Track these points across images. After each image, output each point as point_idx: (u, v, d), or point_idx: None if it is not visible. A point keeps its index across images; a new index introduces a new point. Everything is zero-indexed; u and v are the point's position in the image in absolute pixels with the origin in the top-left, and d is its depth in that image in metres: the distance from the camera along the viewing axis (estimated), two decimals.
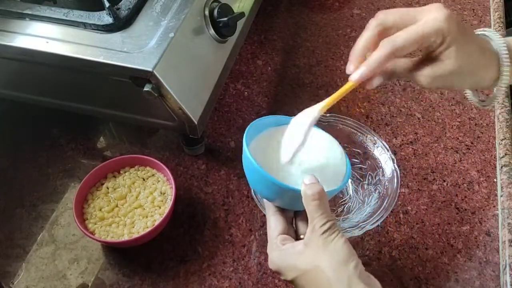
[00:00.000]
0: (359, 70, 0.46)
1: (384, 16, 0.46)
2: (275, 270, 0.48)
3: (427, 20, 0.44)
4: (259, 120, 0.55)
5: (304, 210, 0.47)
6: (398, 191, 0.62)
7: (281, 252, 0.47)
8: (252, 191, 0.57)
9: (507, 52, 0.47)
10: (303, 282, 0.45)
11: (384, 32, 0.46)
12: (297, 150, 0.50)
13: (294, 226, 0.51)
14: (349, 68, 0.47)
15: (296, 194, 0.47)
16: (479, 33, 0.50)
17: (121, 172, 0.70)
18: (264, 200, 0.53)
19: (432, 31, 0.43)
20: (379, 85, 0.48)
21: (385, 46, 0.44)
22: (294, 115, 0.70)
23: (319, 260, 0.44)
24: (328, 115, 0.71)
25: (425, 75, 0.46)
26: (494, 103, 0.51)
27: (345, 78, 0.87)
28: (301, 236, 0.49)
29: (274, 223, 0.49)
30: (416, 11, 0.45)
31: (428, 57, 0.46)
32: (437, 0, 0.57)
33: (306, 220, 0.48)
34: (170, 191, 0.66)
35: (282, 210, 0.50)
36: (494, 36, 0.48)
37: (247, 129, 0.52)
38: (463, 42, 0.44)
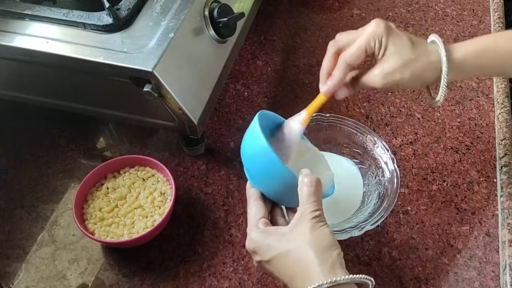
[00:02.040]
0: (326, 84, 0.56)
1: (338, 38, 0.56)
2: (252, 250, 0.48)
3: (365, 30, 0.54)
4: (267, 113, 0.56)
5: (285, 209, 0.51)
6: (398, 191, 0.62)
7: (263, 233, 0.48)
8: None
9: (444, 49, 0.54)
10: (280, 263, 0.46)
11: (341, 52, 0.55)
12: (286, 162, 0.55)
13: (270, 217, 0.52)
14: (321, 86, 0.57)
15: (292, 181, 0.48)
16: (429, 40, 0.56)
17: (121, 172, 0.70)
18: (248, 187, 0.53)
19: (369, 36, 0.53)
20: (346, 96, 0.58)
21: (340, 61, 0.54)
22: (294, 115, 0.70)
23: (304, 241, 0.45)
24: (328, 115, 0.71)
25: (375, 74, 0.54)
26: (441, 99, 0.56)
27: None
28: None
29: (257, 208, 0.50)
30: (360, 29, 0.55)
31: (376, 62, 0.55)
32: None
33: (283, 215, 0.52)
34: (170, 191, 0.66)
35: (264, 199, 0.51)
36: (437, 41, 0.55)
37: (259, 113, 0.53)
38: (396, 39, 0.53)
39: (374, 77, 0.54)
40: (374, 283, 0.45)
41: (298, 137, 0.56)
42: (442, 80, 0.54)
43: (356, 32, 0.55)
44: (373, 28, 0.53)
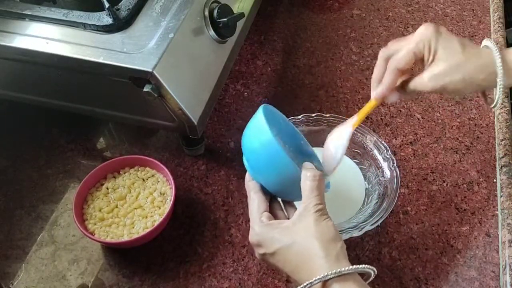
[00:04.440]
0: (378, 89, 0.56)
1: (388, 45, 0.56)
2: (256, 242, 0.48)
3: (414, 35, 0.54)
4: (274, 109, 0.57)
5: (283, 202, 0.52)
6: (398, 191, 0.62)
7: (267, 226, 0.48)
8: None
9: (498, 51, 0.53)
10: (284, 255, 0.46)
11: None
12: (338, 163, 0.57)
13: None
14: (372, 92, 0.57)
15: (296, 174, 0.49)
16: (482, 45, 0.56)
17: (121, 172, 0.70)
18: (247, 180, 0.53)
19: (419, 40, 0.53)
20: (396, 100, 0.59)
21: (390, 66, 0.55)
22: (294, 115, 0.71)
23: (308, 233, 0.46)
24: (328, 115, 0.71)
25: (424, 77, 0.53)
26: (498, 103, 0.56)
27: (345, 78, 0.88)
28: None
29: (259, 201, 0.51)
30: (411, 35, 0.55)
31: (426, 66, 0.54)
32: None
33: (282, 209, 0.52)
34: (170, 191, 0.66)
35: (263, 192, 0.52)
36: (491, 45, 0.54)
37: (264, 105, 0.53)
38: (447, 42, 0.52)
39: (423, 80, 0.54)
40: (376, 272, 0.45)
41: (347, 139, 0.57)
42: (498, 84, 0.52)
43: (406, 38, 0.55)
44: (422, 31, 0.53)
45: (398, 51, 0.54)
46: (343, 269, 0.43)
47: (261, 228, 0.48)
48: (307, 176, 0.48)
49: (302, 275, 0.45)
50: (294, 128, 0.62)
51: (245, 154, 0.53)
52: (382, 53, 0.56)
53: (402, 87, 0.57)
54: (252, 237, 0.49)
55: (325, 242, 0.45)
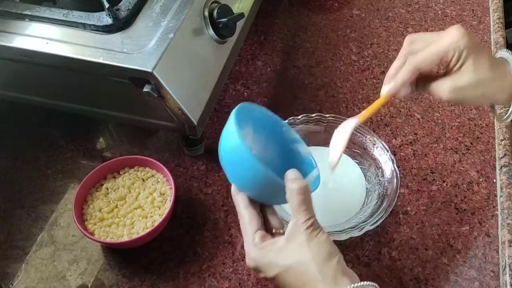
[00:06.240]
0: (389, 85, 0.52)
1: (414, 38, 0.51)
2: (254, 268, 0.47)
3: (445, 38, 0.49)
4: (249, 105, 0.52)
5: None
6: (398, 191, 0.62)
7: (262, 250, 0.46)
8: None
9: None
10: (285, 279, 0.45)
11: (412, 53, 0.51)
12: (341, 154, 0.54)
13: (262, 218, 0.50)
14: (383, 87, 0.53)
15: (279, 186, 0.47)
16: (498, 56, 0.53)
17: (120, 172, 0.70)
18: (234, 193, 0.50)
19: (449, 46, 0.48)
20: (406, 96, 0.54)
21: (409, 62, 0.50)
22: (294, 115, 0.71)
23: (302, 255, 0.44)
24: (328, 115, 0.71)
25: (445, 87, 0.50)
26: (509, 119, 0.54)
27: (344, 78, 0.88)
28: (273, 230, 0.49)
29: (249, 218, 0.48)
30: (438, 33, 0.50)
31: (448, 72, 0.51)
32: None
33: (275, 213, 0.50)
34: (169, 191, 0.66)
35: (252, 203, 0.49)
36: (510, 58, 0.52)
37: (237, 108, 0.49)
38: (478, 56, 0.49)
39: (444, 89, 0.50)
40: None
41: (352, 128, 0.54)
42: None
43: (433, 35, 0.51)
44: (456, 38, 0.48)
45: (424, 48, 0.50)
46: None
47: (256, 252, 0.47)
48: (293, 190, 0.46)
49: None
50: (274, 116, 0.57)
51: (221, 163, 0.50)
52: (407, 47, 0.51)
53: (416, 83, 0.53)
54: (249, 263, 0.47)
55: (320, 263, 0.44)
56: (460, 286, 0.60)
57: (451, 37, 0.49)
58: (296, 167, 0.49)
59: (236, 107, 0.49)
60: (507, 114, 0.55)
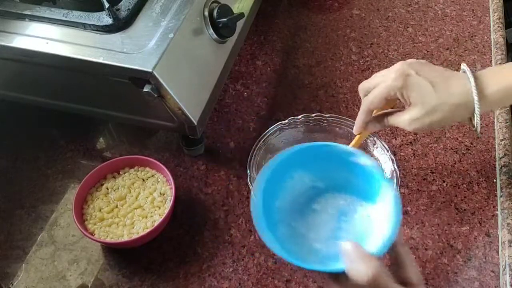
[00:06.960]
0: (355, 125, 0.60)
1: (367, 81, 0.57)
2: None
3: (386, 80, 0.54)
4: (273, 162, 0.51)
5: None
6: (398, 191, 0.62)
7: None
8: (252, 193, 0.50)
9: (476, 87, 0.53)
10: None
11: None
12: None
13: None
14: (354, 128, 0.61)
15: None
16: (461, 71, 0.56)
17: (120, 172, 0.70)
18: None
19: (389, 88, 0.54)
20: (378, 130, 0.61)
21: (363, 104, 0.57)
22: (294, 115, 0.71)
23: None
24: (328, 115, 0.71)
25: (405, 120, 0.55)
26: (477, 131, 0.56)
27: (344, 78, 0.88)
28: None
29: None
30: (383, 74, 0.55)
31: (405, 107, 0.55)
32: None
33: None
34: (169, 191, 0.66)
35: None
36: (469, 74, 0.54)
37: (258, 180, 0.48)
38: (415, 87, 0.53)
39: (404, 121, 0.55)
40: None
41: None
42: (475, 114, 0.54)
43: (378, 77, 0.56)
44: (389, 81, 0.54)
45: (375, 87, 0.55)
46: None
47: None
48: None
49: None
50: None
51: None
52: (361, 88, 0.58)
53: (383, 119, 0.58)
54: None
55: None
56: (460, 286, 0.60)
57: (388, 79, 0.54)
58: (359, 185, 0.51)
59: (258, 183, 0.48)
60: (475, 127, 0.56)
